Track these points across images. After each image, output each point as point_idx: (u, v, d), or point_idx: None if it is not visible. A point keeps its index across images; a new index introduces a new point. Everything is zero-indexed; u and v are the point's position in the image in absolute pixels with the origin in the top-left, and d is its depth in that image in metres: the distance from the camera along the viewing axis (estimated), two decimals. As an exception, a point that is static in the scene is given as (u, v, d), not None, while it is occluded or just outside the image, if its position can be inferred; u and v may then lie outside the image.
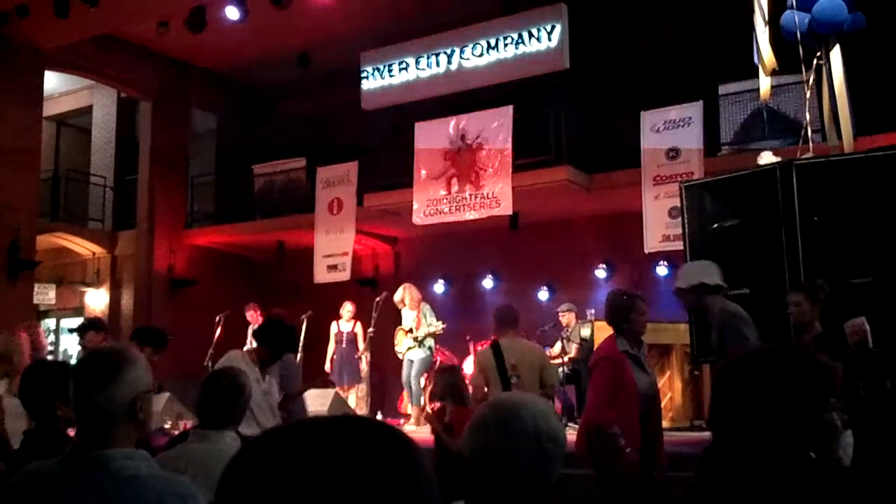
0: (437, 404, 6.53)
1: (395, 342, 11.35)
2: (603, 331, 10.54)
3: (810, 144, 7.25)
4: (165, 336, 6.67)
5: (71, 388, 2.28)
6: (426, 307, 11.23)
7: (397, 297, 11.25)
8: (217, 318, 12.57)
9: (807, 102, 7.43)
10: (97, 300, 16.96)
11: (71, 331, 7.91)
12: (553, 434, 1.74)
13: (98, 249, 17.03)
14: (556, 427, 1.76)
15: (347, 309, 12.16)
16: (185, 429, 6.82)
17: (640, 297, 5.30)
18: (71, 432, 3.29)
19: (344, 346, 12.04)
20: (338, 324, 12.21)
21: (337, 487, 0.84)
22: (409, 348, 11.11)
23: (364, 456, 0.87)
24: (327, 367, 11.95)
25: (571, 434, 7.55)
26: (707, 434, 8.88)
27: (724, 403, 1.75)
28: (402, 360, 11.35)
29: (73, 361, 14.02)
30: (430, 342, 11.12)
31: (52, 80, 16.64)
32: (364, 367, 12.25)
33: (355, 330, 12.14)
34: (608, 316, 5.33)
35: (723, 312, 5.40)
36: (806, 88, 7.43)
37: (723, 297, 5.46)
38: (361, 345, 12.16)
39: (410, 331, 11.13)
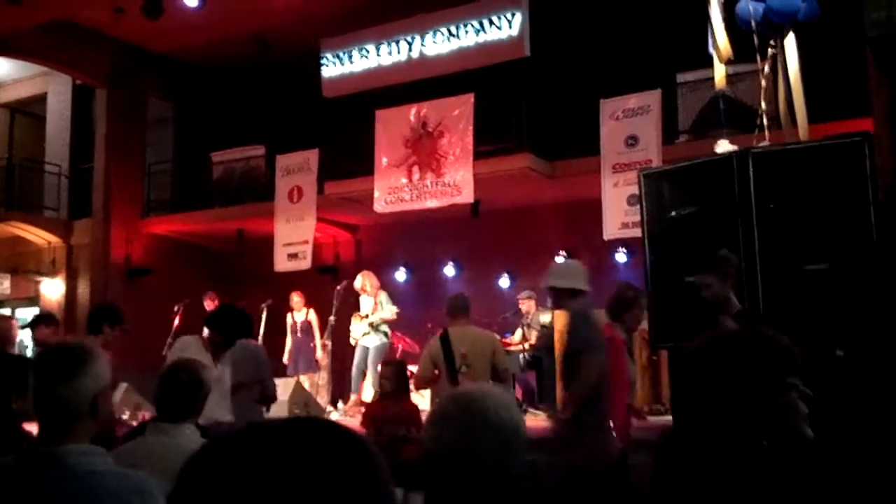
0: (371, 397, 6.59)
1: (351, 328, 11.33)
2: (562, 318, 10.64)
3: (766, 133, 7.33)
4: (118, 311, 6.62)
5: (32, 382, 2.26)
6: (383, 294, 11.23)
7: (357, 283, 11.25)
8: (175, 308, 12.46)
9: (762, 91, 7.51)
10: (53, 290, 16.72)
11: (22, 326, 7.85)
12: (515, 425, 1.74)
13: (53, 238, 16.78)
14: (518, 418, 1.76)
15: (295, 300, 12.10)
16: (144, 420, 6.77)
17: (644, 295, 5.48)
18: (26, 426, 3.25)
19: (299, 335, 11.98)
20: (291, 315, 12.13)
21: (294, 491, 0.84)
22: (364, 334, 11.10)
23: (321, 459, 0.86)
24: (285, 359, 11.88)
25: (532, 420, 7.61)
26: (665, 419, 8.97)
27: (682, 390, 1.76)
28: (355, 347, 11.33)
29: (28, 354, 13.83)
30: (385, 328, 11.11)
31: (5, 67, 16.36)
32: (320, 354, 12.18)
33: (309, 318, 12.07)
34: (611, 305, 5.46)
35: (574, 315, 5.62)
36: (761, 77, 7.50)
37: (583, 299, 5.68)
38: (317, 332, 12.09)
39: (367, 316, 11.13)
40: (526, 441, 1.77)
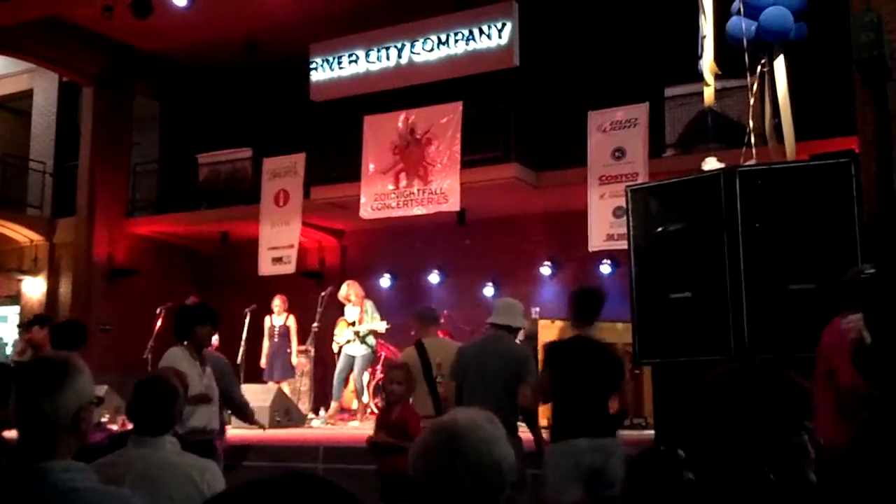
0: (378, 403, 6.51)
1: (336, 332, 11.26)
2: (546, 329, 10.64)
3: (753, 150, 7.38)
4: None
5: (14, 395, 2.24)
6: (369, 304, 11.17)
7: (341, 293, 11.18)
8: (158, 310, 12.37)
9: (751, 109, 7.56)
10: (34, 289, 16.60)
11: (18, 326, 7.81)
12: (496, 464, 1.72)
13: (36, 237, 16.66)
14: (502, 454, 1.74)
15: (277, 304, 11.97)
16: (124, 426, 6.71)
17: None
18: (5, 433, 3.22)
19: (276, 340, 11.86)
20: (270, 318, 12.03)
21: None
22: (349, 341, 11.04)
23: None
24: (263, 362, 11.80)
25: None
26: (647, 433, 8.99)
27: (695, 417, 1.74)
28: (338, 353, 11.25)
29: (8, 350, 13.67)
30: (371, 340, 11.05)
31: (-9, 62, 16.25)
32: (296, 360, 12.08)
33: (287, 323, 11.96)
34: (843, 289, 4.90)
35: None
36: (750, 95, 7.55)
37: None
38: (294, 339, 12.00)
39: (353, 323, 11.07)
40: (511, 477, 1.76)
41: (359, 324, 10.95)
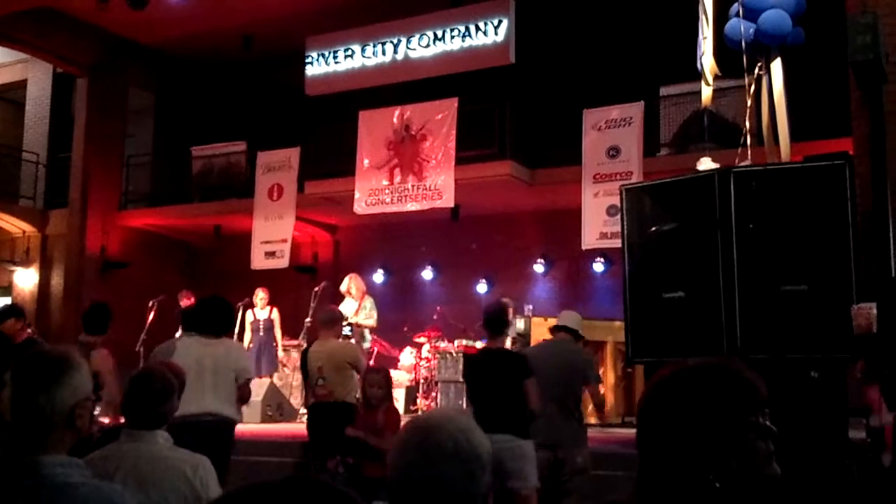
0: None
1: None
2: (539, 326, 10.66)
3: (748, 150, 7.39)
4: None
5: (11, 388, 2.23)
6: (369, 300, 11.11)
7: (343, 286, 11.10)
8: (150, 303, 12.35)
9: (747, 110, 7.57)
10: (26, 280, 16.54)
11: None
12: (474, 451, 1.72)
13: (28, 228, 16.60)
14: (477, 443, 1.75)
15: (260, 297, 11.87)
16: (116, 419, 6.69)
17: None
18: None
19: (261, 334, 11.77)
20: (253, 312, 11.94)
21: None
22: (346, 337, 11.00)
23: None
24: None
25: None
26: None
27: (643, 426, 1.68)
28: None
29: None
30: (366, 336, 10.99)
31: (-15, 52, 16.18)
32: (282, 353, 12.02)
33: (271, 317, 11.89)
34: None
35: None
36: (747, 96, 7.56)
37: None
38: (279, 332, 11.93)
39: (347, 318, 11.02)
40: (488, 465, 1.76)
41: (353, 318, 10.92)
